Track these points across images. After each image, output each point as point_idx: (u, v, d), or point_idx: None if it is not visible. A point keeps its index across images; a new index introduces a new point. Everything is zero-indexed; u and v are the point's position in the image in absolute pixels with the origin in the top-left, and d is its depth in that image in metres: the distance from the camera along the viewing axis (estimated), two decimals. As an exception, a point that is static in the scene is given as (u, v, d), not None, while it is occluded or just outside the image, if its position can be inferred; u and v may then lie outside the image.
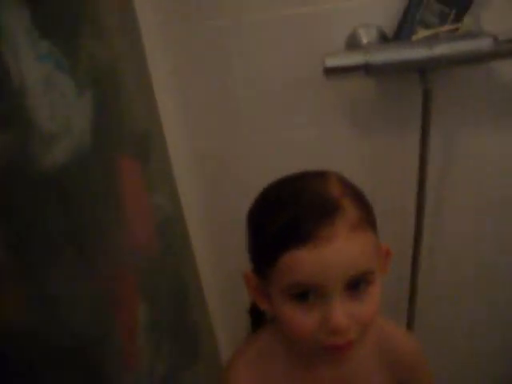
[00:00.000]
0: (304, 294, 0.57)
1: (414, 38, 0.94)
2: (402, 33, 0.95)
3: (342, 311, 0.56)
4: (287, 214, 0.57)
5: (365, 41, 0.96)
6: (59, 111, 0.57)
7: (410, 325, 1.24)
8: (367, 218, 0.60)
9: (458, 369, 1.36)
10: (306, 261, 0.55)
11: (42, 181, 0.55)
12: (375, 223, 0.63)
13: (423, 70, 0.94)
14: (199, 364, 1.11)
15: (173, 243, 1.06)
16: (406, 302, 1.21)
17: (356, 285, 0.58)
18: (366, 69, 0.91)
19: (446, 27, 0.93)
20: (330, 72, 0.92)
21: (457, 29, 0.93)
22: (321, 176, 0.62)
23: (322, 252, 0.55)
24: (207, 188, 1.17)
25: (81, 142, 0.63)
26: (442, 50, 0.90)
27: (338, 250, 0.55)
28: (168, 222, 1.03)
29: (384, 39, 0.97)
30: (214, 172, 1.16)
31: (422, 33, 0.94)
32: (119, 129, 0.80)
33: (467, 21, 0.93)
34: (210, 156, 1.14)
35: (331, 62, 0.91)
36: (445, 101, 1.03)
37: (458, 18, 0.92)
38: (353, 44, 0.98)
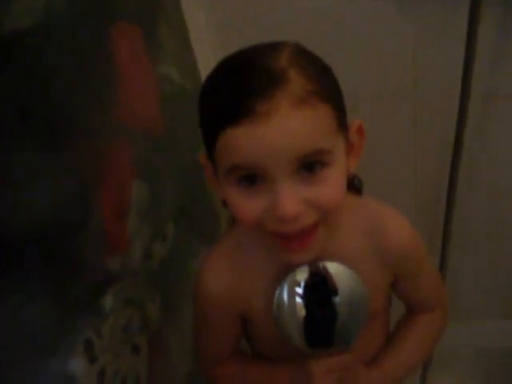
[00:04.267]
0: (250, 177, 0.52)
1: None
2: None
3: (290, 196, 0.51)
4: (225, 90, 0.51)
5: None
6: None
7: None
8: (322, 92, 0.51)
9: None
10: (243, 140, 0.49)
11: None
12: (337, 97, 0.55)
13: None
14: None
15: (187, 117, 1.01)
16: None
17: (310, 167, 0.52)
18: None
19: None
20: None
21: None
22: (273, 47, 0.53)
23: (260, 130, 0.48)
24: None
25: (49, 5, 0.57)
26: None
27: (278, 127, 0.48)
28: (179, 96, 0.97)
29: None
30: (235, 42, 1.07)
31: None
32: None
33: None
34: (230, 25, 1.06)
35: None
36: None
37: None
38: None
